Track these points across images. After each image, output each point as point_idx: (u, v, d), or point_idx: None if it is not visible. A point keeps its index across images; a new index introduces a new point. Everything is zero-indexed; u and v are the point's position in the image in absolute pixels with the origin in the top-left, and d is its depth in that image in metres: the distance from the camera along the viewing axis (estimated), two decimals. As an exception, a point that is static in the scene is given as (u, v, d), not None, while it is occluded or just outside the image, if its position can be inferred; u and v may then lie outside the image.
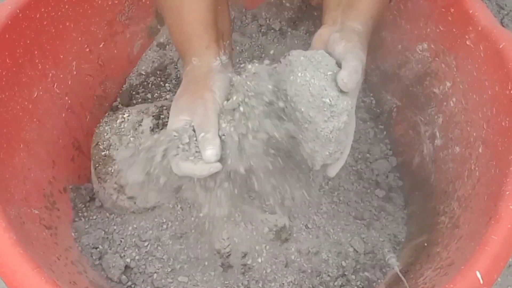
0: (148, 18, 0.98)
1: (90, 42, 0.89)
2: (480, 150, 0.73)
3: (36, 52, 0.78)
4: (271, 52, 1.01)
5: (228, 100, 0.66)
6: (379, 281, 0.79)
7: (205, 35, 0.70)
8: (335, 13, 0.76)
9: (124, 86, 0.98)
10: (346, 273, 0.79)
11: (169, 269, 0.76)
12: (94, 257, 0.76)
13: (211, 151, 0.62)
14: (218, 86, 0.67)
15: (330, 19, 0.76)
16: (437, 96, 0.85)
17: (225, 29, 0.75)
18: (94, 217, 0.81)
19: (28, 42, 0.76)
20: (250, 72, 0.64)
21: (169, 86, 0.98)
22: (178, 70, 0.99)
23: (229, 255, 0.76)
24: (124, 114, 0.81)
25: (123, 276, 0.75)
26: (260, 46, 1.01)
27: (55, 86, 0.83)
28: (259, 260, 0.77)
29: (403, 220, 0.87)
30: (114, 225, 0.80)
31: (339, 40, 0.67)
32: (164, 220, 0.79)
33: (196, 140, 0.64)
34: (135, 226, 0.79)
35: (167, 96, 0.95)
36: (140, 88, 0.97)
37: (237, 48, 1.00)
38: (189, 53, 0.71)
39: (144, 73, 0.99)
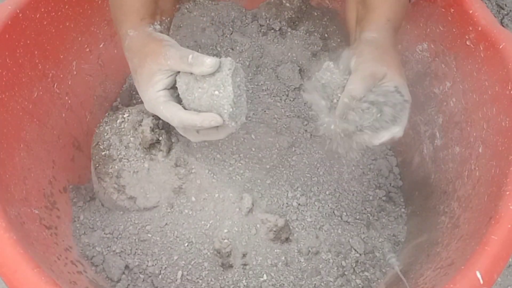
0: (148, 18, 0.98)
1: (90, 42, 0.89)
2: (480, 150, 0.73)
3: (36, 52, 0.78)
4: (271, 52, 1.01)
5: None
6: (379, 281, 0.78)
7: (141, 8, 0.72)
8: (354, 32, 0.76)
9: (124, 86, 0.98)
10: (346, 273, 0.79)
11: (169, 269, 0.76)
12: (94, 257, 0.75)
13: (210, 58, 0.63)
14: (166, 36, 0.70)
15: (352, 39, 0.76)
16: (437, 96, 0.85)
17: (166, 8, 0.78)
18: (94, 217, 0.80)
19: (28, 42, 0.76)
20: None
21: (169, 86, 0.98)
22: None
23: (229, 255, 0.76)
24: (124, 114, 0.81)
25: (123, 276, 0.75)
26: (260, 46, 1.01)
27: (55, 86, 0.83)
28: (259, 260, 0.77)
29: (403, 220, 0.87)
30: (114, 225, 0.80)
31: (351, 56, 0.68)
32: (164, 220, 0.79)
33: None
34: (135, 226, 0.79)
35: (167, 96, 0.95)
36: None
37: (237, 48, 1.00)
38: (125, 26, 0.72)
39: (144, 73, 0.99)
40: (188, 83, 0.67)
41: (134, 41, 0.71)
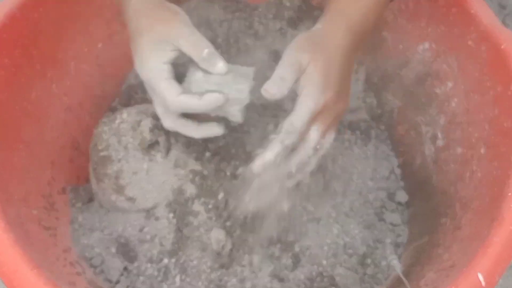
0: (147, 18, 0.98)
1: (89, 42, 0.89)
2: (482, 151, 0.73)
3: (34, 52, 0.78)
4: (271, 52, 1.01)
5: None
6: (381, 282, 0.78)
7: None
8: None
9: (123, 86, 0.97)
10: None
11: (168, 271, 0.76)
12: (93, 258, 0.75)
13: (223, 62, 0.62)
14: (180, 9, 0.66)
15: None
16: (439, 96, 0.85)
17: None
18: (93, 218, 0.80)
19: (26, 42, 0.76)
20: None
21: (168, 86, 0.97)
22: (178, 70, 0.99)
23: (229, 255, 0.76)
24: (123, 114, 0.81)
25: (122, 277, 0.75)
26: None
27: (53, 86, 0.83)
28: (259, 259, 0.77)
29: (404, 221, 0.86)
30: (113, 226, 0.79)
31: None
32: (164, 221, 0.79)
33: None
34: (134, 227, 0.79)
35: (167, 96, 0.95)
36: (139, 88, 0.96)
37: (237, 48, 1.00)
38: None
39: (143, 73, 0.98)
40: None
41: (144, 1, 0.66)
